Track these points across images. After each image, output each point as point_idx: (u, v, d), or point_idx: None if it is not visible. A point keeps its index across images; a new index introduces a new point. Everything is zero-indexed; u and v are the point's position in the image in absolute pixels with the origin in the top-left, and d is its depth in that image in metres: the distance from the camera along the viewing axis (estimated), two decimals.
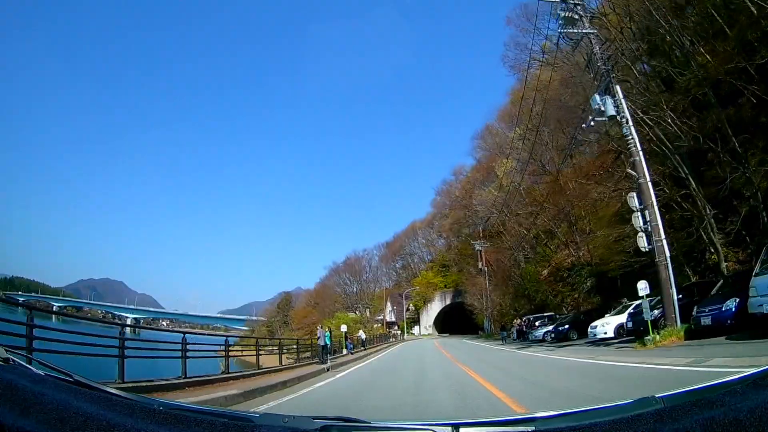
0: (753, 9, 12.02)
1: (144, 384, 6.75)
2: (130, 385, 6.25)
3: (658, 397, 1.01)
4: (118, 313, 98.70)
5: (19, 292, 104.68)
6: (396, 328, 62.36)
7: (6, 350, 1.05)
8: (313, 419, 1.15)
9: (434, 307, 68.32)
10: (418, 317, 69.95)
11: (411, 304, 72.20)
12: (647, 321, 11.76)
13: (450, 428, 1.08)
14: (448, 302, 66.10)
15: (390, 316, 69.22)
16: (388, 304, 72.29)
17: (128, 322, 65.18)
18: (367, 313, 68.42)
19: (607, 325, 16.68)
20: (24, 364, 1.03)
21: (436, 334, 64.57)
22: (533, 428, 1.07)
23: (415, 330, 67.60)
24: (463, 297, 57.86)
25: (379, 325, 63.72)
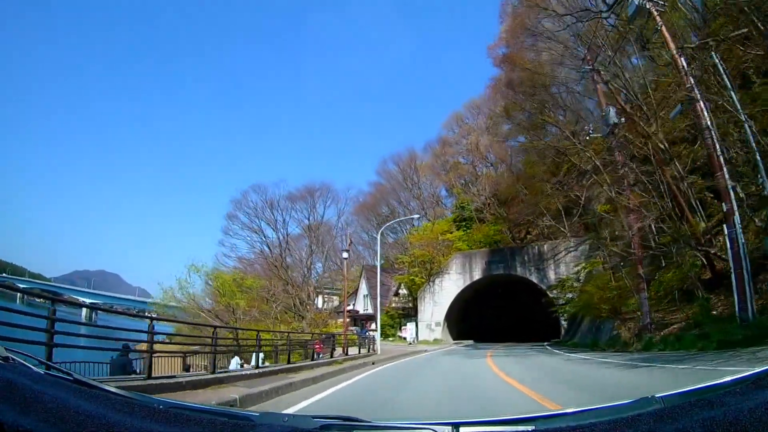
0: None
1: None
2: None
3: (657, 397, 1.01)
4: (75, 296, 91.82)
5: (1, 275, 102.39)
6: (370, 325, 36.08)
7: (6, 349, 1.05)
8: (313, 418, 1.16)
9: (448, 287, 35.28)
10: (415, 307, 37.42)
11: (401, 285, 41.31)
12: None
13: (450, 428, 1.08)
14: (476, 276, 34.40)
15: (365, 305, 40.96)
16: (363, 285, 41.64)
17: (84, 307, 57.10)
18: (335, 301, 42.45)
19: None
20: (24, 362, 1.03)
21: (450, 340, 34.57)
22: (533, 428, 1.08)
23: (407, 331, 35.05)
24: (512, 264, 32.69)
25: (349, 320, 35.33)
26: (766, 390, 0.85)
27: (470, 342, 33.63)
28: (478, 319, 39.69)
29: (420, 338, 34.46)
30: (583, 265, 25.81)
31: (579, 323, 24.66)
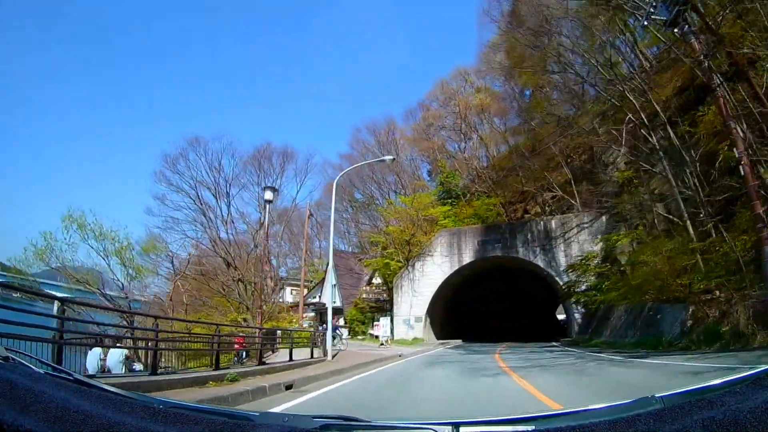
0: None
1: None
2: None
3: (657, 397, 1.02)
4: (47, 290, 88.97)
5: None
6: (337, 320, 28.60)
7: (6, 348, 1.05)
8: (313, 418, 1.16)
9: (431, 273, 28.78)
10: (390, 299, 30.61)
11: (375, 273, 34.54)
12: None
13: (450, 427, 1.09)
14: (467, 259, 28.04)
15: (333, 297, 33.59)
16: (332, 274, 37.95)
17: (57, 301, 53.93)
18: (304, 291, 32.37)
19: None
20: (24, 362, 1.03)
21: (433, 339, 28.64)
22: (533, 427, 1.08)
23: (381, 327, 27.59)
24: (512, 244, 26.48)
25: (313, 314, 32.08)
26: (766, 390, 0.86)
27: (458, 342, 27.72)
28: (467, 313, 33.34)
29: (396, 336, 28.16)
30: (616, 236, 20.01)
31: (603, 315, 19.62)
